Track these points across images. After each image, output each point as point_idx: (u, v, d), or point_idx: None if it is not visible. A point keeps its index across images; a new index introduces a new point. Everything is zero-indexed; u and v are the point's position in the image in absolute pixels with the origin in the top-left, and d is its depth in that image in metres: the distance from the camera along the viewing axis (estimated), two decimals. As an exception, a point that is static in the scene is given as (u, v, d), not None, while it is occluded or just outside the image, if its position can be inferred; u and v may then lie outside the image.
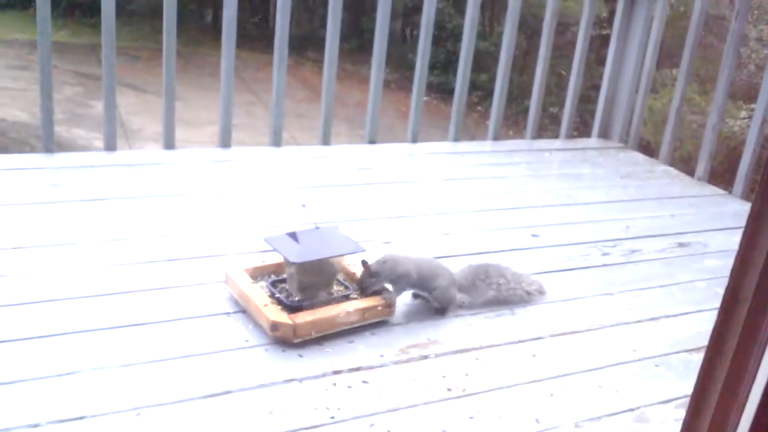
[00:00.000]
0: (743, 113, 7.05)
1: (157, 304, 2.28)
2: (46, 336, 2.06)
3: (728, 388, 1.06)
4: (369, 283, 2.32)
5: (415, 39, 3.91)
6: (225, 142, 3.60)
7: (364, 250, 2.31)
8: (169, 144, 3.51)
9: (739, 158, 3.92)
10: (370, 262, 2.30)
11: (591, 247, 3.01)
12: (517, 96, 8.24)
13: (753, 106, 4.47)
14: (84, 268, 2.43)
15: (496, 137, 4.22)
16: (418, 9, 3.88)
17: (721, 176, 4.21)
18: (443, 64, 10.07)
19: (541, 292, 2.56)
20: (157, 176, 3.24)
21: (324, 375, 2.03)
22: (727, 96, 4.00)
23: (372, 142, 3.90)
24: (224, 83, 3.55)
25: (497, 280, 2.49)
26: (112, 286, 2.35)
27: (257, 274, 2.38)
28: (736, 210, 3.62)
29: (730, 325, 1.05)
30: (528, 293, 2.53)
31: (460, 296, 2.45)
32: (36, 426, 1.73)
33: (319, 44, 3.74)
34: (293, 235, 2.21)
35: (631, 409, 2.05)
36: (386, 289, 2.35)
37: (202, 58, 9.59)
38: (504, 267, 2.54)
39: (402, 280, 2.34)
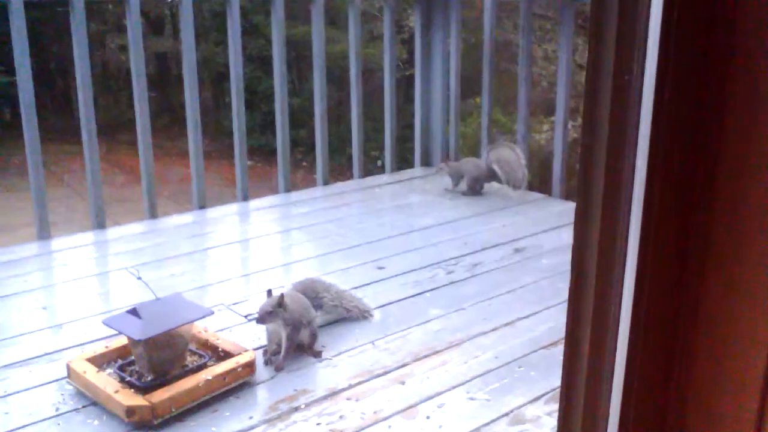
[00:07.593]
0: (546, 126, 7.61)
1: (-7, 417, 2.05)
2: None
3: (592, 371, 1.09)
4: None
5: (228, 105, 3.85)
6: (43, 233, 3.36)
7: (212, 313, 2.22)
8: (-21, 247, 3.23)
9: (551, 166, 4.19)
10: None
11: (435, 268, 3.08)
12: (339, 146, 8.37)
13: (552, 118, 4.81)
14: None
15: (326, 182, 4.25)
16: (227, 76, 3.84)
17: (539, 188, 4.48)
18: (261, 127, 10.06)
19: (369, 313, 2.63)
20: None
21: (193, 451, 1.91)
22: (529, 109, 4.29)
23: (202, 207, 3.79)
24: (32, 171, 3.33)
25: (324, 296, 2.56)
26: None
27: (102, 361, 2.21)
28: (559, 210, 3.86)
29: (581, 311, 1.09)
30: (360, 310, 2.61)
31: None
32: None
33: (129, 126, 3.58)
34: (134, 312, 2.07)
35: (506, 414, 2.09)
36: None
37: (4, 160, 9.04)
38: (328, 283, 2.62)
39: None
